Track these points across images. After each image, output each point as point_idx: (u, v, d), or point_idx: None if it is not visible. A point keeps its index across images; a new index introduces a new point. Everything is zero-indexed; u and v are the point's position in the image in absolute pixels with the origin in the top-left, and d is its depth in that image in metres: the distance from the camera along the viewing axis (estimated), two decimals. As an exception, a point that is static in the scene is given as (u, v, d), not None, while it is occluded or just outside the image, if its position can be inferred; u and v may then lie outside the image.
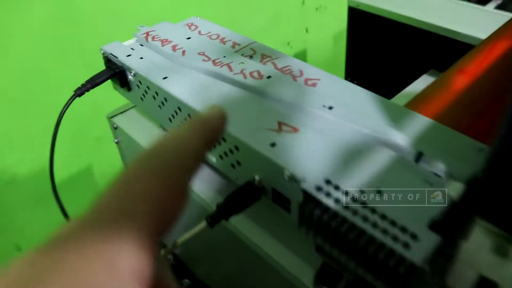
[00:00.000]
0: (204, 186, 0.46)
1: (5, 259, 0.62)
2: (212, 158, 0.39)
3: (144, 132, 0.53)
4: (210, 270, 0.58)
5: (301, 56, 1.10)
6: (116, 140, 0.59)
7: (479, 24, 0.71)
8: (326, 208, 0.28)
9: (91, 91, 0.47)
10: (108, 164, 0.87)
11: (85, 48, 0.69)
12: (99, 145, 0.85)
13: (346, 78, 0.94)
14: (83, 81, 0.48)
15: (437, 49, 0.74)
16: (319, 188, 0.29)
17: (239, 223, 0.41)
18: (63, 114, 0.45)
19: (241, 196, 0.33)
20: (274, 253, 0.40)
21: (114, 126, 0.56)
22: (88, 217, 0.17)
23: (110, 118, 0.57)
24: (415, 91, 0.71)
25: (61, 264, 0.15)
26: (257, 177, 0.34)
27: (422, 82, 0.73)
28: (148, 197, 0.18)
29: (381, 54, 0.86)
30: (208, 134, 0.22)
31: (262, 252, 0.40)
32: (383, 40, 0.84)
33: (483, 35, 0.66)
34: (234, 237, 0.43)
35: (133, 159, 0.19)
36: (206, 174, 0.45)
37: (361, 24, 0.84)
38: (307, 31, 1.07)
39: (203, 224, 0.32)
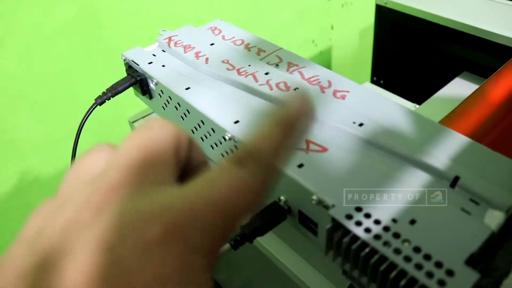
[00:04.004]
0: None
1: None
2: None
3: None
4: (230, 277, 0.57)
5: (326, 53, 1.07)
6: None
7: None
8: (356, 237, 0.27)
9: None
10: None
11: (108, 49, 0.68)
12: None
13: (372, 78, 0.91)
14: (106, 82, 0.47)
15: (470, 50, 0.71)
16: (349, 216, 0.27)
17: (264, 239, 0.40)
18: (84, 122, 0.45)
19: (266, 217, 0.32)
20: (297, 270, 0.38)
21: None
22: None
23: (132, 122, 0.57)
24: (447, 95, 0.68)
25: None
26: (283, 198, 0.32)
27: (455, 86, 0.70)
28: None
29: (409, 54, 0.83)
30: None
31: (284, 268, 0.39)
32: (412, 40, 0.81)
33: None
34: (259, 253, 0.42)
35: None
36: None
37: (389, 22, 0.81)
38: (332, 28, 1.04)
39: (226, 247, 0.31)
